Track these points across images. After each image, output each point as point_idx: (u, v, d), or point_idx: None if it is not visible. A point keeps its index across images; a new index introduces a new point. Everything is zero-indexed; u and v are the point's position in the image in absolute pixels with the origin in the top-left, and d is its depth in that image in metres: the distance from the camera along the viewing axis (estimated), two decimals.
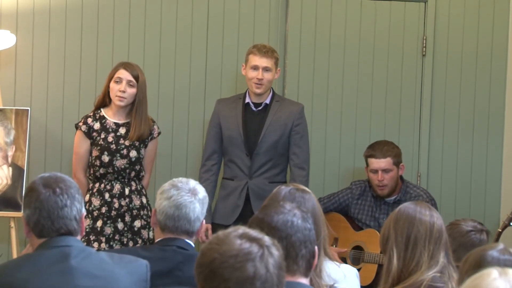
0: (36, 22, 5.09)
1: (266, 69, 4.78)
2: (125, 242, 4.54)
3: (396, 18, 5.45)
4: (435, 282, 2.82)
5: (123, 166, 4.59)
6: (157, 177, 5.00)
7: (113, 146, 4.60)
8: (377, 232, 4.75)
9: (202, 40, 5.27)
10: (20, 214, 4.46)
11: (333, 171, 5.44)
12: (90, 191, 4.62)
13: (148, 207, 4.66)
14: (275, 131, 4.83)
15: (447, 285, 2.84)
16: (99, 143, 4.61)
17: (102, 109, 4.67)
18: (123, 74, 4.57)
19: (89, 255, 2.58)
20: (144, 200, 4.66)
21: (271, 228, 2.34)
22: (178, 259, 3.01)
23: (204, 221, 3.11)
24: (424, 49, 5.47)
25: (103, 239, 4.52)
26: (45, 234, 2.57)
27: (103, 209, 4.56)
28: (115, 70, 4.61)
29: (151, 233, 4.59)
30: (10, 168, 4.76)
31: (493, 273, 1.81)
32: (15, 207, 4.70)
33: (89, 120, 4.65)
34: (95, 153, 4.61)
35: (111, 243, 4.52)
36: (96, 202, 4.57)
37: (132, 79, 4.57)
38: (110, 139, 4.61)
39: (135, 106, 4.59)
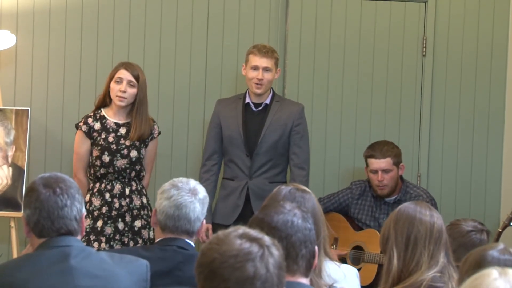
0: (36, 22, 5.10)
1: (266, 69, 4.78)
2: (125, 242, 4.54)
3: (396, 18, 5.46)
4: (435, 282, 2.82)
5: (123, 166, 4.59)
6: (157, 177, 5.00)
7: (113, 146, 4.60)
8: (377, 232, 4.75)
9: (202, 40, 5.27)
10: (20, 214, 4.47)
11: (333, 171, 5.44)
12: (91, 191, 4.62)
13: (149, 207, 4.66)
14: (275, 131, 4.84)
15: (447, 285, 2.84)
16: (100, 143, 4.61)
17: (102, 109, 4.67)
18: (124, 74, 4.57)
19: (89, 255, 2.58)
20: (145, 200, 4.66)
21: (271, 228, 2.34)
22: (178, 259, 3.01)
23: (204, 221, 3.11)
24: (424, 49, 5.47)
25: (103, 239, 4.52)
26: (45, 234, 2.57)
27: (104, 209, 4.56)
28: (116, 70, 4.60)
29: (151, 233, 4.59)
30: (10, 168, 4.76)
31: (493, 273, 1.81)
32: (15, 207, 4.70)
33: (90, 120, 4.65)
34: (95, 153, 4.61)
35: (112, 243, 4.52)
36: (96, 202, 4.57)
37: (132, 79, 4.57)
38: (110, 139, 4.61)
39: (136, 106, 4.59)
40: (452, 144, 5.54)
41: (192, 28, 5.26)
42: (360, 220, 5.04)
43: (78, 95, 5.14)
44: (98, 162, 4.59)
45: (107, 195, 4.58)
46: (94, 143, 4.63)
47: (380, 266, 4.51)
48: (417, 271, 2.85)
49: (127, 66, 4.61)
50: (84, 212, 2.64)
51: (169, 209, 3.03)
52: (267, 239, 1.96)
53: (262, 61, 4.77)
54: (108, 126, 4.63)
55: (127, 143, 4.61)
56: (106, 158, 4.58)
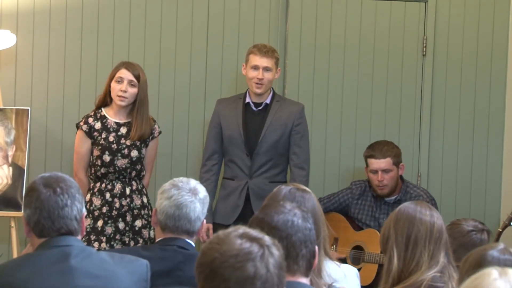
0: (37, 22, 5.10)
1: (266, 69, 4.78)
2: (126, 242, 4.54)
3: (397, 18, 5.46)
4: (435, 282, 2.82)
5: (124, 166, 4.59)
6: (157, 176, 5.00)
7: (114, 146, 4.60)
8: (377, 232, 4.75)
9: (202, 40, 5.27)
10: (20, 213, 4.47)
11: (333, 171, 5.44)
12: (91, 191, 4.62)
13: (149, 207, 4.66)
14: (275, 131, 4.83)
15: (447, 285, 2.84)
16: (100, 142, 4.60)
17: (103, 109, 4.67)
18: (125, 73, 4.57)
19: (89, 255, 2.58)
20: (145, 200, 4.66)
21: (271, 228, 2.34)
22: (178, 259, 3.01)
23: (205, 220, 3.11)
24: (424, 49, 5.47)
25: (104, 239, 4.52)
26: (46, 234, 2.57)
27: (104, 209, 4.56)
28: (117, 69, 4.60)
29: (152, 233, 4.59)
30: (11, 168, 4.76)
31: (493, 273, 1.81)
32: (16, 206, 4.70)
33: (90, 120, 4.65)
34: (96, 152, 4.61)
35: (112, 242, 4.52)
36: (97, 201, 4.57)
37: (133, 78, 4.57)
38: (111, 138, 4.61)
39: (136, 106, 4.59)
40: (452, 144, 5.54)
41: (192, 28, 5.26)
42: (360, 220, 5.04)
43: (78, 95, 5.14)
44: (99, 162, 4.59)
45: (108, 195, 4.58)
46: (94, 143, 4.63)
47: (380, 266, 4.52)
48: (417, 271, 2.85)
49: (128, 65, 4.60)
50: (85, 212, 2.64)
51: (169, 209, 3.03)
52: (267, 239, 1.96)
53: (262, 61, 4.77)
54: (109, 126, 4.63)
55: (128, 142, 4.61)
56: (106, 157, 4.58)
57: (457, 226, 3.40)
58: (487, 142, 5.57)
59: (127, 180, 4.61)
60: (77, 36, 5.14)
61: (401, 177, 5.04)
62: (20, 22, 5.07)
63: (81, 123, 4.66)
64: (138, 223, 4.59)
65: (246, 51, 4.88)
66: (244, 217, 4.64)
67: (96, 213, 4.56)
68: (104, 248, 4.46)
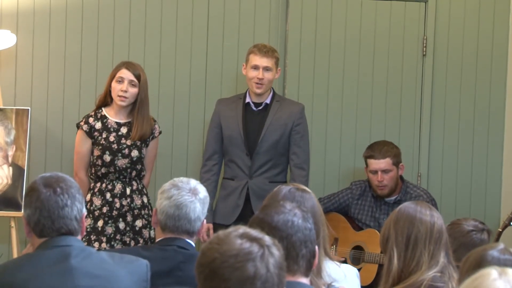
0: (37, 22, 5.10)
1: (266, 68, 4.78)
2: (126, 242, 4.54)
3: (397, 18, 5.46)
4: (435, 282, 2.82)
5: (124, 166, 4.59)
6: (157, 176, 5.00)
7: (114, 146, 4.60)
8: (377, 232, 4.75)
9: (202, 40, 5.27)
10: (20, 213, 4.47)
11: (333, 171, 5.44)
12: (92, 191, 4.62)
13: (149, 207, 4.66)
14: (276, 131, 4.83)
15: (447, 285, 2.84)
16: (101, 142, 4.60)
17: (103, 109, 4.67)
18: (125, 73, 4.57)
19: (89, 255, 2.58)
20: (145, 200, 4.66)
21: (271, 228, 2.34)
22: (178, 259, 3.01)
23: (205, 220, 3.11)
24: (424, 49, 5.47)
25: (104, 239, 4.52)
26: (46, 234, 2.57)
27: (104, 209, 4.56)
28: (117, 69, 4.60)
29: (152, 233, 4.59)
30: (11, 168, 4.76)
31: (492, 273, 1.81)
32: (16, 206, 4.70)
33: (91, 120, 4.65)
34: (96, 152, 4.61)
35: (112, 242, 4.52)
36: (97, 201, 4.57)
37: (134, 78, 4.57)
38: (111, 138, 4.61)
39: (137, 106, 4.59)
40: (452, 144, 5.54)
41: (192, 28, 5.26)
42: (360, 220, 5.04)
43: (78, 95, 5.14)
44: (99, 162, 4.59)
45: (108, 195, 4.58)
46: (95, 143, 4.62)
47: (380, 266, 4.51)
48: (417, 271, 2.85)
49: (128, 65, 4.60)
50: (85, 212, 2.64)
51: (169, 209, 3.03)
52: (267, 239, 1.96)
53: (262, 61, 4.77)
54: (109, 126, 4.63)
55: (128, 142, 4.61)
56: (107, 157, 4.58)
57: (457, 226, 3.40)
58: (487, 142, 5.57)
59: (127, 180, 4.61)
60: (77, 36, 5.14)
61: (401, 177, 5.04)
62: (20, 22, 5.07)
63: (82, 123, 4.66)
64: (139, 223, 4.59)
65: (246, 51, 4.88)
66: (244, 217, 4.64)
67: (96, 213, 4.56)
68: (105, 248, 4.46)
